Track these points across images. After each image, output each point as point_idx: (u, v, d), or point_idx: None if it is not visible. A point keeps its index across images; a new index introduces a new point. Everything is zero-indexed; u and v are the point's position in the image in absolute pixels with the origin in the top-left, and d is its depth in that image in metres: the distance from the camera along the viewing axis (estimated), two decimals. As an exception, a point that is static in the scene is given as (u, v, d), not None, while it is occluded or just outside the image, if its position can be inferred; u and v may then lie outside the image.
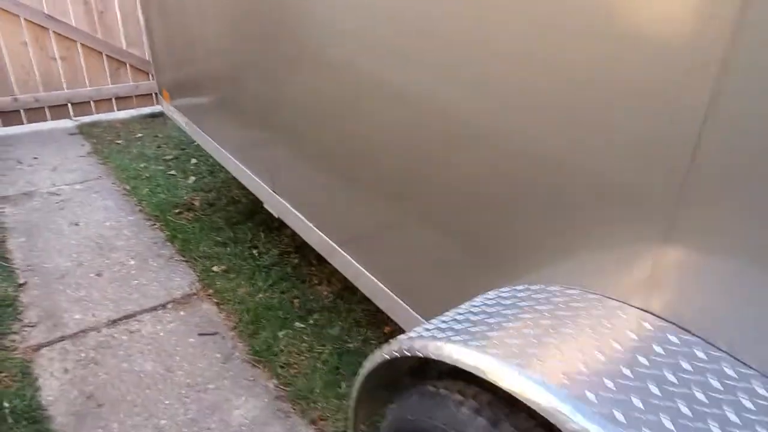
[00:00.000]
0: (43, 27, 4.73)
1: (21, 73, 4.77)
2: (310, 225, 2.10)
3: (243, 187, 3.67)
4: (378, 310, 1.81)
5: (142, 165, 4.18)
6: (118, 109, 5.41)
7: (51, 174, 4.05)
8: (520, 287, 1.26)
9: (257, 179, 2.47)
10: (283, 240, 3.15)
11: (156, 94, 5.49)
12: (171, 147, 4.58)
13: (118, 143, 4.67)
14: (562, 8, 0.99)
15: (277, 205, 2.37)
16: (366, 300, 1.90)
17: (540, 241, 1.22)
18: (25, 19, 4.63)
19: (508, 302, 1.18)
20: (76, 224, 3.33)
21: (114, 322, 2.47)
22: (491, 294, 1.25)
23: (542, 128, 1.10)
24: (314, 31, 1.75)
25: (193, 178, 3.96)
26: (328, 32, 1.67)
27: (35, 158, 4.35)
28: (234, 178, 3.79)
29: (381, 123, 1.53)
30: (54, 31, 4.79)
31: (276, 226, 3.28)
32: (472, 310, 1.18)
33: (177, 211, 3.46)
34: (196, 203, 3.57)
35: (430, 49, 1.30)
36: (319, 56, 1.76)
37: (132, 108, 5.49)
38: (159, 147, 4.59)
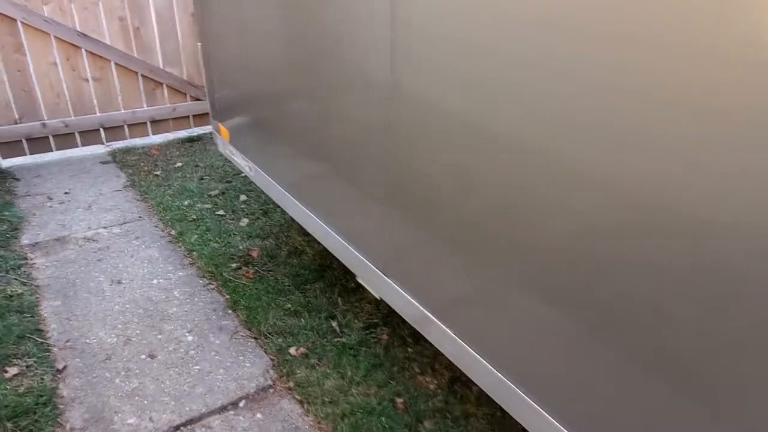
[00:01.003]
0: (75, 46, 4.29)
1: (50, 96, 4.33)
2: (441, 325, 1.59)
3: (304, 233, 3.20)
4: (503, 412, 1.33)
5: (186, 203, 3.71)
6: (153, 133, 4.96)
7: (85, 214, 3.59)
8: None
9: (356, 252, 1.97)
10: (364, 307, 2.64)
11: (193, 116, 5.05)
12: (215, 179, 4.11)
13: (157, 175, 4.20)
14: None
15: (382, 286, 1.87)
16: (486, 399, 1.42)
17: None
18: (55, 38, 4.19)
19: None
20: (119, 282, 2.85)
21: (177, 430, 1.98)
22: None
23: None
24: (441, 72, 1.25)
25: (245, 221, 3.48)
26: (455, 79, 1.18)
27: (66, 193, 3.90)
28: (292, 221, 3.32)
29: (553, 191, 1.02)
30: (87, 50, 4.35)
31: (352, 287, 2.78)
32: None
33: (234, 265, 2.97)
34: (255, 254, 3.09)
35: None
36: (433, 104, 1.26)
37: (168, 131, 5.04)
38: (202, 179, 4.12)
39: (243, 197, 3.80)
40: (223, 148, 3.00)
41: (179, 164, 4.41)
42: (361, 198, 1.84)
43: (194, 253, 3.10)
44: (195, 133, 5.14)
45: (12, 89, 4.16)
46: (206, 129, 5.23)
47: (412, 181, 1.57)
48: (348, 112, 1.78)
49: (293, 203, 2.32)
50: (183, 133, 5.11)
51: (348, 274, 2.65)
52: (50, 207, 3.68)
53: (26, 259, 3.04)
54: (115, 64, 4.52)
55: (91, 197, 3.84)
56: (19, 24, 4.02)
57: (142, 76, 4.68)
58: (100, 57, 4.43)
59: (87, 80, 4.45)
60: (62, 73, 4.32)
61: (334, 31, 1.74)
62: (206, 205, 3.68)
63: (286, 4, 1.98)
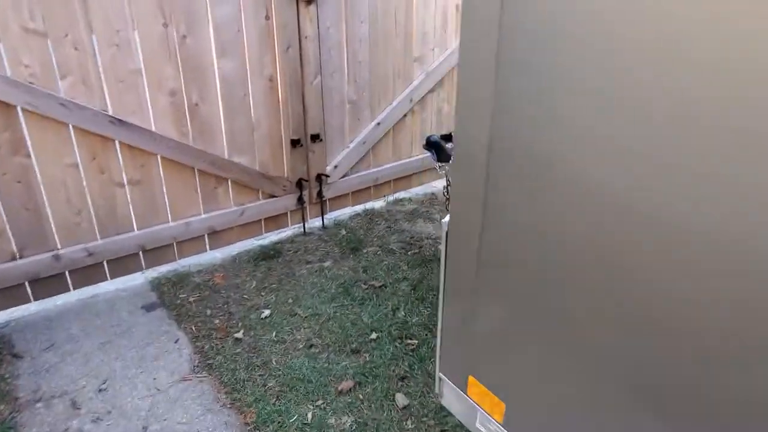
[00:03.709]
0: (104, 137, 2.79)
1: (67, 214, 2.82)
2: None
3: None
4: None
5: (309, 415, 2.21)
6: (212, 246, 3.45)
7: (143, 451, 2.07)
8: None
9: None
10: None
11: (265, 219, 3.56)
12: (334, 347, 2.62)
13: (238, 339, 2.69)
14: None
15: None
16: None
17: None
18: (75, 128, 2.70)
19: None
20: None
21: None
22: None
23: None
24: None
25: (432, 469, 1.99)
26: None
27: (101, 390, 2.38)
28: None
29: None
30: (122, 142, 2.86)
31: None
32: None
33: None
34: None
35: None
36: None
37: (231, 242, 3.53)
38: (312, 347, 2.63)
39: (400, 398, 2.31)
40: (474, 425, 1.49)
41: (266, 312, 2.90)
42: None
43: None
44: (268, 242, 3.64)
45: (7, 210, 2.64)
46: (282, 234, 3.74)
47: None
48: None
49: None
50: (252, 244, 3.60)
51: None
52: (80, 431, 2.16)
53: None
54: (162, 158, 3.02)
55: (144, 400, 2.32)
56: (20, 112, 2.52)
57: (200, 171, 3.19)
58: (142, 150, 2.93)
59: (122, 185, 2.94)
60: (85, 178, 2.82)
61: None
62: (345, 420, 2.18)
63: None
